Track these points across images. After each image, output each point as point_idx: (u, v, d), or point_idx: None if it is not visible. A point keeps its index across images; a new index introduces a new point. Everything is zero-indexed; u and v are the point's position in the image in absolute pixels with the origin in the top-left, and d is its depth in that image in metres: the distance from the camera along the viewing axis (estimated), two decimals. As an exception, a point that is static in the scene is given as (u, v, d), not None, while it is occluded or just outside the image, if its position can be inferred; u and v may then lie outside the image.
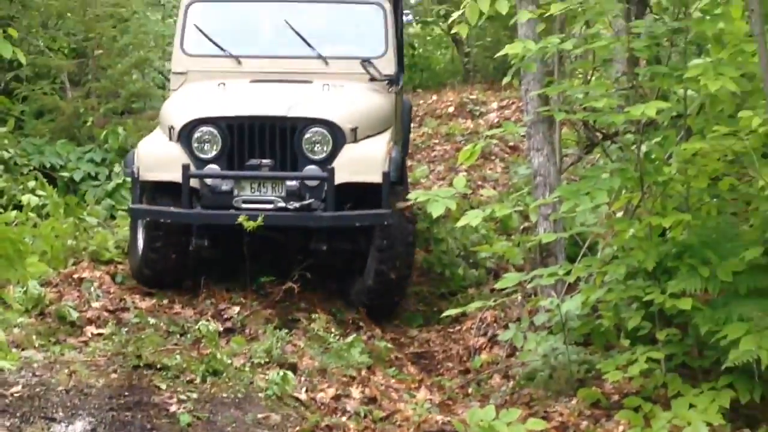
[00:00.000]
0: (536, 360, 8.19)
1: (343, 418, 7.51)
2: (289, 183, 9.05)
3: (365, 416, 7.59)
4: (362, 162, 9.16)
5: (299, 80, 10.15)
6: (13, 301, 8.71)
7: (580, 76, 9.64)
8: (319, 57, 10.48)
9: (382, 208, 9.01)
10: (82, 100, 12.97)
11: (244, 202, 9.03)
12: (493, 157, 14.45)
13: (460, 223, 8.26)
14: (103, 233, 10.55)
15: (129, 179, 9.50)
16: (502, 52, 8.33)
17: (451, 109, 18.00)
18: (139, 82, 13.76)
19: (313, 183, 9.04)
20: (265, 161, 9.10)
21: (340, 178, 8.99)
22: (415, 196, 8.44)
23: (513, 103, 17.05)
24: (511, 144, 14.87)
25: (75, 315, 8.76)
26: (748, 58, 7.39)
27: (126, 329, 8.49)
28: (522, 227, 10.39)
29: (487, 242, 10.16)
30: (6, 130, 11.78)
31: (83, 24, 13.57)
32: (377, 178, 9.03)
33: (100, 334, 8.49)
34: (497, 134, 10.59)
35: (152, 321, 8.66)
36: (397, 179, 9.39)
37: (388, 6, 10.88)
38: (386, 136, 9.62)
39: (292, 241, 9.46)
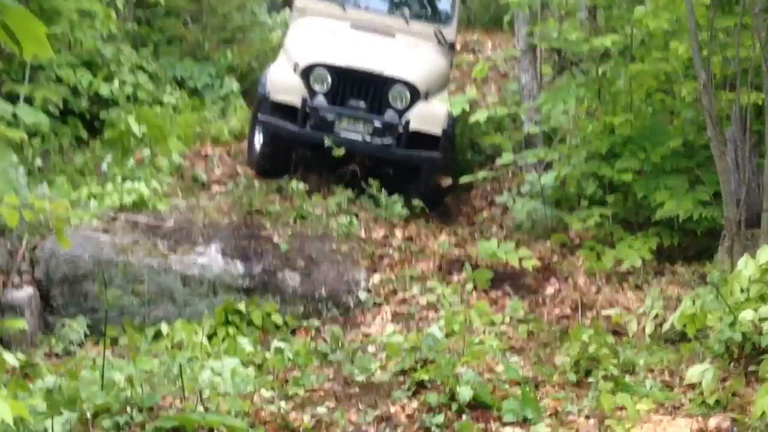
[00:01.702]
0: (522, 216, 8.32)
1: (390, 250, 7.78)
2: (375, 123, 8.78)
3: (405, 249, 7.83)
4: (430, 117, 8.84)
5: (387, 33, 9.64)
6: (162, 166, 8.98)
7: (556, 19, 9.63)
8: (403, 16, 9.99)
9: (438, 152, 8.80)
10: (200, 31, 12.78)
11: (342, 130, 8.74)
12: (489, 82, 14.39)
13: (472, 119, 8.43)
14: (219, 124, 10.51)
15: (260, 94, 9.16)
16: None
17: (457, 47, 17.77)
18: (241, 20, 13.52)
19: (393, 125, 8.76)
20: (360, 103, 8.84)
21: (412, 127, 8.75)
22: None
23: (503, 44, 16.83)
24: (502, 72, 14.77)
25: (204, 177, 9.02)
26: (678, 6, 7.36)
27: (240, 187, 8.63)
28: (512, 127, 10.36)
29: (487, 136, 10.18)
30: (148, 51, 11.75)
31: (200, -24, 13.38)
32: (438, 131, 8.82)
33: (222, 191, 8.70)
34: (501, 57, 10.58)
35: (257, 183, 8.77)
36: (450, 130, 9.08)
37: None
38: (445, 94, 9.28)
39: (371, 163, 9.03)
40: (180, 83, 11.55)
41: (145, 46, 12.02)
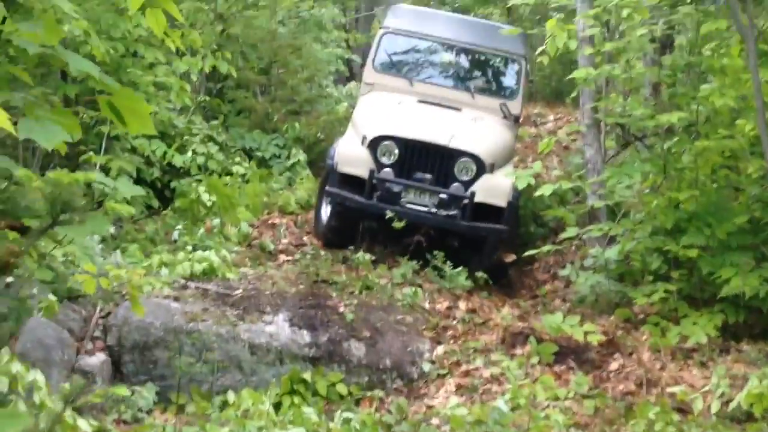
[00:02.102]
0: (585, 290, 8.30)
1: (454, 322, 7.79)
2: (441, 195, 8.81)
3: (468, 321, 7.83)
4: (495, 190, 8.86)
5: (453, 106, 9.76)
6: (231, 235, 9.17)
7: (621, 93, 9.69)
8: (469, 91, 10.19)
9: (502, 224, 8.83)
10: (269, 103, 13.03)
11: (408, 202, 8.80)
12: (551, 155, 14.43)
13: (537, 193, 8.48)
14: (286, 194, 10.66)
15: (328, 167, 9.20)
16: (572, 76, 8.50)
17: (520, 120, 17.84)
18: (308, 93, 13.79)
19: (458, 197, 8.79)
20: (426, 175, 8.90)
21: (477, 199, 8.79)
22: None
23: (564, 116, 16.93)
24: (565, 145, 14.84)
25: (272, 246, 9.15)
26: (743, 84, 7.45)
27: (307, 256, 8.74)
28: (574, 201, 10.42)
29: (551, 209, 10.19)
30: (218, 122, 12.04)
31: (270, 50, 13.61)
32: (503, 204, 8.85)
33: (289, 260, 8.83)
34: (565, 132, 10.66)
35: (323, 253, 8.91)
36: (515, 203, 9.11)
37: (525, 59, 10.43)
38: (510, 167, 9.26)
39: (436, 234, 8.94)
40: (249, 153, 11.84)
41: (216, 117, 12.36)
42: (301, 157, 11.93)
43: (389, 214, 8.59)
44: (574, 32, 8.77)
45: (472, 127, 9.44)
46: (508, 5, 16.74)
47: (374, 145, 8.96)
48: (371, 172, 8.83)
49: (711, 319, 7.31)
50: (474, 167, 8.93)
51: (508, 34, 9.83)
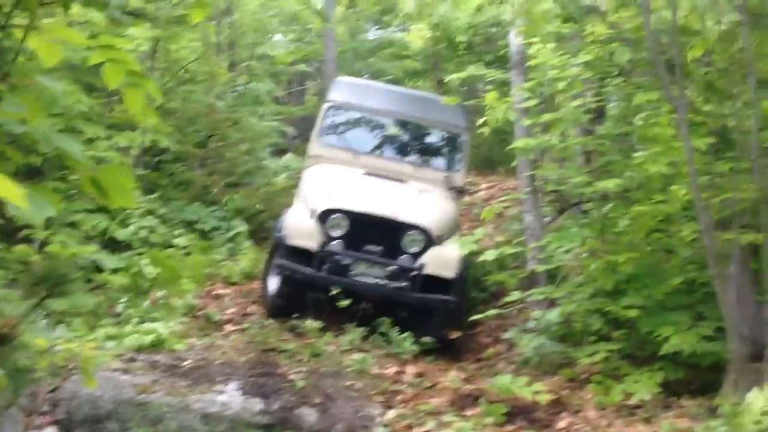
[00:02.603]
0: (529, 351, 8.45)
1: (403, 386, 7.86)
2: (391, 267, 8.92)
3: (417, 385, 7.92)
4: (444, 261, 9.01)
5: (398, 179, 9.96)
6: (177, 307, 9.16)
7: (555, 161, 10.01)
8: (414, 163, 10.41)
9: (451, 295, 8.94)
10: (208, 176, 13.12)
11: (358, 275, 8.90)
12: (487, 222, 14.59)
13: (481, 258, 8.68)
14: (230, 265, 10.73)
15: (276, 239, 9.33)
16: (512, 146, 8.81)
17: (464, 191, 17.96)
18: (247, 165, 13.89)
19: (407, 269, 8.91)
20: (375, 248, 9.01)
21: (427, 271, 8.92)
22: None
23: (496, 184, 17.22)
24: (499, 212, 15.03)
25: (218, 316, 9.15)
26: (674, 152, 7.73)
27: (254, 325, 8.77)
28: (513, 265, 10.61)
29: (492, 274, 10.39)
30: (157, 196, 12.07)
31: (209, 123, 13.71)
32: (452, 275, 8.99)
33: (236, 329, 8.84)
34: (507, 200, 10.89)
35: (270, 321, 8.94)
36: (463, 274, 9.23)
37: (467, 132, 10.66)
38: (456, 238, 9.32)
39: (385, 306, 9.05)
40: (190, 226, 11.86)
41: (154, 191, 12.37)
42: (242, 228, 12.00)
43: (337, 287, 8.69)
44: (511, 104, 9.09)
45: (419, 200, 9.60)
46: (439, 78, 17.25)
47: (323, 218, 9.06)
48: (321, 244, 8.93)
49: (652, 376, 7.49)
50: (422, 239, 9.07)
51: (450, 106, 10.11)
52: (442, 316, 9.08)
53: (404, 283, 8.92)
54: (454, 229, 9.68)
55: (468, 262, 9.31)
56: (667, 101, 7.35)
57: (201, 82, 14.95)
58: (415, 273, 8.94)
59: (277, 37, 22.58)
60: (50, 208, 3.13)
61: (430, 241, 9.10)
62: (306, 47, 21.83)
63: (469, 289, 10.09)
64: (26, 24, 3.22)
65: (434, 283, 9.00)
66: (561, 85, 8.49)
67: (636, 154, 8.16)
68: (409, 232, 9.08)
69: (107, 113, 11.34)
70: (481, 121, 8.98)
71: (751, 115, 6.71)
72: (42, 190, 3.27)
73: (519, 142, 8.76)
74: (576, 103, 8.75)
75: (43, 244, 9.11)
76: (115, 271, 9.86)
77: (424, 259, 9.01)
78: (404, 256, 9.03)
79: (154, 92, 3.62)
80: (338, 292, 8.73)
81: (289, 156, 16.63)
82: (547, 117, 8.77)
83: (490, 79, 13.50)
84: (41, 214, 3.09)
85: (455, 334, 9.17)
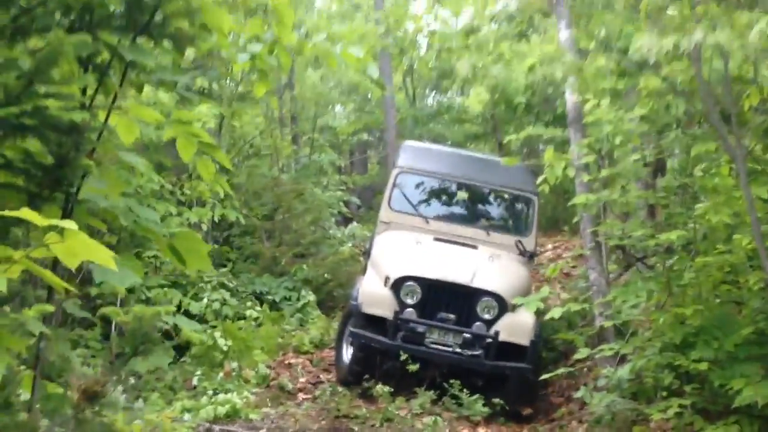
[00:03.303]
0: (601, 410, 8.29)
1: (475, 448, 8.01)
2: (465, 334, 8.93)
3: (489, 447, 8.05)
4: (518, 328, 9.04)
5: (469, 244, 9.99)
6: (249, 378, 9.34)
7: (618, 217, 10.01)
8: (484, 228, 10.44)
9: (526, 362, 8.94)
10: (275, 248, 13.41)
11: (432, 342, 8.92)
12: (554, 281, 14.59)
13: (548, 316, 8.69)
14: (300, 334, 10.93)
15: (351, 307, 9.38)
16: (573, 202, 8.85)
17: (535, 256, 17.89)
18: (313, 235, 14.12)
19: (482, 336, 8.92)
20: (450, 315, 9.03)
21: (501, 338, 8.94)
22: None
23: (562, 244, 17.20)
24: (565, 272, 15.02)
25: (290, 385, 9.33)
26: (735, 201, 7.65)
27: (326, 393, 8.89)
28: (582, 324, 10.59)
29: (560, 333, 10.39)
30: (227, 269, 12.35)
31: (274, 196, 14.07)
32: (526, 342, 9.02)
33: (308, 398, 9.00)
34: (570, 256, 10.85)
35: (341, 389, 9.07)
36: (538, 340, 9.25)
37: (536, 195, 10.62)
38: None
39: (459, 374, 9.00)
40: (259, 297, 12.11)
41: (224, 265, 12.67)
42: (311, 297, 12.22)
43: (413, 356, 8.70)
44: (570, 161, 9.16)
45: (491, 266, 9.62)
46: (500, 141, 17.40)
47: (397, 285, 9.11)
48: (395, 312, 8.95)
49: (727, 430, 7.34)
50: (496, 306, 9.10)
51: (517, 168, 10.14)
52: (517, 384, 9.05)
53: (479, 351, 8.92)
54: (526, 294, 9.63)
55: (541, 328, 9.28)
56: (725, 151, 7.36)
57: (265, 156, 15.35)
58: (489, 340, 8.93)
59: (338, 108, 23.06)
60: (134, 275, 3.34)
61: (503, 307, 9.11)
62: (366, 116, 22.25)
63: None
64: (109, 104, 3.47)
65: (509, 350, 8.98)
66: (618, 139, 8.53)
67: (698, 205, 8.12)
68: (482, 299, 9.11)
69: (177, 191, 11.70)
70: (540, 179, 9.05)
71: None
72: (127, 257, 3.49)
73: (579, 198, 8.80)
74: (635, 157, 8.78)
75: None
76: (191, 344, 10.14)
77: (499, 326, 9.03)
78: (478, 323, 9.05)
79: (224, 161, 3.84)
80: (407, 356, 8.76)
81: (354, 225, 16.89)
82: (605, 172, 8.82)
83: (548, 138, 13.65)
84: (127, 280, 3.30)
85: (527, 411, 9.13)
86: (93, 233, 3.45)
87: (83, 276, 10.20)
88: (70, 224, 2.47)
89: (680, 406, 7.68)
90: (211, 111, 12.02)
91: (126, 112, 3.72)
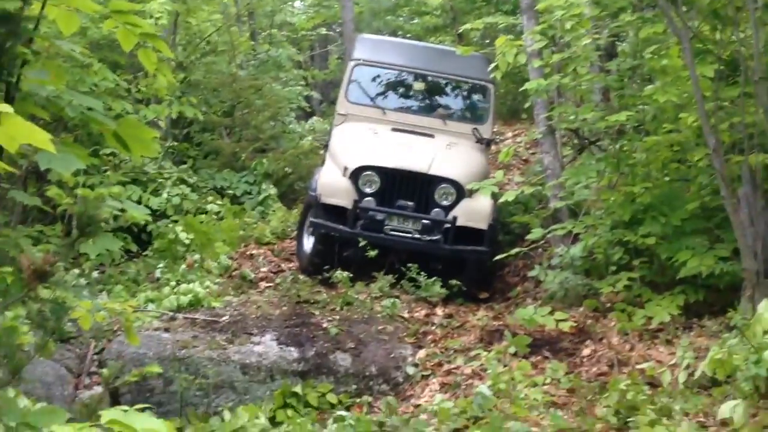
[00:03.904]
0: (555, 286, 8.61)
1: (432, 327, 8.20)
2: (424, 221, 9.09)
3: (446, 326, 8.25)
4: (475, 213, 9.15)
5: (426, 133, 10.09)
6: (212, 269, 9.52)
7: (572, 102, 10.15)
8: (441, 117, 10.51)
9: (484, 246, 9.10)
10: (235, 143, 13.46)
11: (392, 230, 9.06)
12: (512, 169, 14.83)
13: (501, 199, 8.89)
14: (261, 226, 11.07)
15: (311, 198, 9.48)
16: (525, 87, 8.94)
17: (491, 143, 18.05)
18: (272, 130, 14.14)
19: (440, 222, 9.07)
20: (408, 203, 9.18)
21: (459, 223, 9.07)
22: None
23: (521, 131, 17.29)
24: (524, 158, 15.21)
25: (252, 275, 9.50)
26: (683, 82, 7.84)
27: (287, 280, 9.12)
28: (538, 207, 10.80)
29: (516, 216, 10.64)
30: (188, 165, 12.41)
31: (232, 93, 14.01)
32: (484, 226, 9.15)
33: (270, 286, 9.20)
34: (524, 141, 11.01)
35: (302, 276, 9.31)
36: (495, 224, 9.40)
37: (493, 84, 10.73)
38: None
39: (419, 259, 9.18)
40: (220, 192, 12.22)
41: (185, 161, 12.73)
42: (272, 191, 12.34)
43: (372, 243, 8.89)
44: (523, 48, 9.23)
45: (448, 153, 9.74)
46: (459, 31, 17.37)
47: (356, 175, 9.23)
48: (354, 202, 9.09)
49: (673, 300, 7.67)
50: (454, 192, 9.25)
51: (474, 58, 10.22)
52: (475, 267, 9.27)
53: (437, 236, 9.09)
54: (483, 180, 9.74)
55: (498, 213, 9.44)
56: (673, 33, 7.46)
57: (222, 52, 15.24)
58: (447, 226, 9.10)
59: (296, 3, 22.82)
60: (78, 161, 3.44)
61: (461, 193, 9.25)
62: (325, 11, 22.05)
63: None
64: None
65: (467, 234, 9.16)
66: (569, 24, 8.61)
67: (647, 87, 8.26)
68: (440, 186, 9.24)
69: (133, 89, 11.66)
70: (491, 66, 9.14)
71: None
72: (68, 143, 3.59)
73: (531, 84, 8.90)
74: (586, 41, 8.86)
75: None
76: (153, 238, 10.28)
77: (456, 211, 9.18)
78: (436, 209, 9.21)
79: (165, 50, 3.91)
80: (367, 244, 8.95)
81: (314, 119, 16.92)
82: (557, 57, 8.91)
83: (506, 26, 13.67)
84: (71, 165, 3.40)
85: (484, 295, 9.38)
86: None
87: (42, 175, 10.29)
88: (6, 108, 2.55)
89: (629, 279, 8.04)
90: (164, 7, 11.89)
91: (63, 2, 3.76)
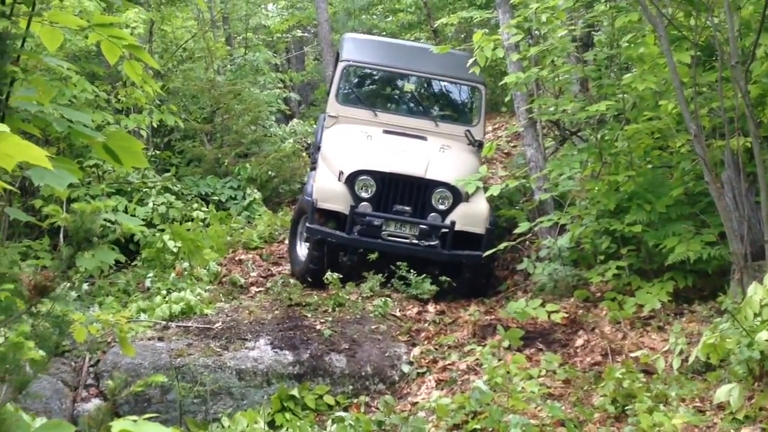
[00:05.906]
0: (544, 278, 8.66)
1: (425, 324, 8.21)
2: (422, 226, 8.96)
3: (438, 322, 8.26)
4: (473, 217, 9.07)
5: (418, 135, 9.95)
6: (201, 276, 9.50)
7: (552, 93, 10.19)
8: (433, 119, 10.39)
9: (482, 250, 8.88)
10: (217, 149, 13.44)
11: (389, 235, 8.93)
12: (495, 162, 14.87)
13: (487, 194, 8.92)
14: (248, 231, 11.04)
15: (306, 203, 9.24)
16: (504, 81, 8.99)
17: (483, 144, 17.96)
18: (254, 134, 14.12)
19: (438, 226, 8.97)
20: (405, 207, 9.05)
21: (458, 227, 8.96)
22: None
23: (502, 125, 17.34)
24: (506, 152, 15.24)
25: (242, 280, 9.48)
26: (661, 69, 7.91)
27: (278, 284, 9.09)
28: (523, 200, 10.85)
29: (502, 210, 10.62)
30: (171, 173, 12.39)
31: (211, 99, 14.00)
32: (482, 231, 9.05)
33: (260, 290, 9.17)
34: (505, 135, 11.03)
35: (293, 280, 9.28)
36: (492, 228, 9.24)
37: (484, 85, 10.64)
38: (482, 192, 9.32)
39: (417, 264, 9.04)
40: (205, 199, 12.20)
41: (167, 169, 12.70)
42: (257, 195, 12.34)
43: (370, 249, 8.84)
44: (500, 42, 9.26)
45: (443, 157, 9.63)
46: (434, 27, 17.39)
47: (351, 180, 9.10)
48: (351, 207, 8.97)
49: (663, 287, 7.72)
50: (451, 196, 9.15)
51: (464, 58, 10.13)
52: (473, 271, 9.21)
53: (435, 241, 9.00)
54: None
55: (495, 218, 9.39)
56: (648, 21, 7.51)
57: (199, 59, 15.22)
58: (446, 230, 9.03)
59: (270, 6, 22.79)
60: (71, 176, 3.43)
61: (458, 197, 9.17)
62: (299, 13, 22.04)
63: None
64: (29, 12, 3.51)
65: (465, 238, 9.10)
66: (544, 17, 8.64)
67: (626, 76, 8.31)
68: (437, 190, 9.15)
69: (113, 99, 11.63)
70: (470, 62, 9.16)
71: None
72: (62, 160, 3.58)
73: (510, 77, 8.93)
74: (562, 32, 8.91)
75: (66, 230, 9.54)
76: (141, 248, 10.26)
77: (454, 215, 9.10)
78: (433, 214, 9.14)
79: (149, 61, 3.91)
80: (367, 251, 8.89)
81: (295, 121, 16.90)
82: (534, 50, 8.95)
83: (481, 21, 13.71)
84: (65, 181, 3.39)
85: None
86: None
87: (27, 190, 10.25)
88: (2, 127, 2.54)
89: (618, 268, 8.09)
90: (139, 17, 11.86)
91: (47, 19, 3.76)
